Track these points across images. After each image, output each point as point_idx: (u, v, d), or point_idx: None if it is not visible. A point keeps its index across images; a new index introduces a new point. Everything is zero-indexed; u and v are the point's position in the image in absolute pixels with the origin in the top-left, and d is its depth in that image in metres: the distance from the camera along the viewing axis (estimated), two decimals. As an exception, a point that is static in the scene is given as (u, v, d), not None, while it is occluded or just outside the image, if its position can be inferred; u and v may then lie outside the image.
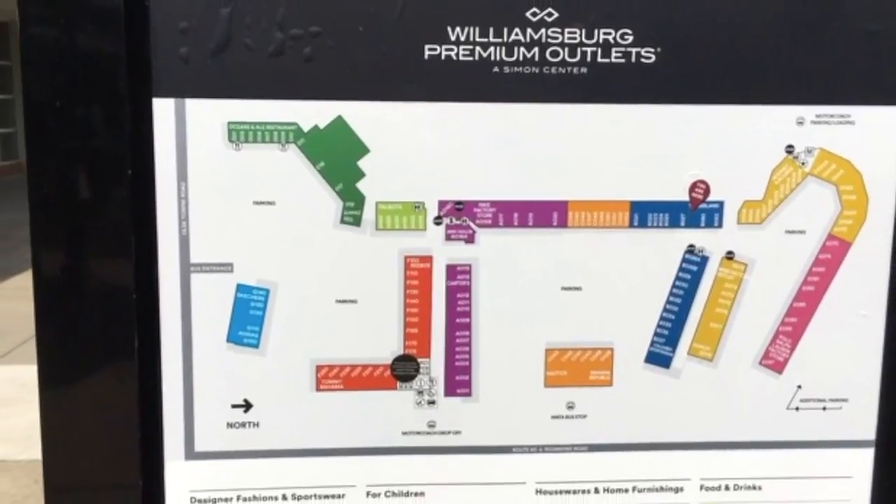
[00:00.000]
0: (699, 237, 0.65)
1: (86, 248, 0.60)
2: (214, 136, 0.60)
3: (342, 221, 0.62)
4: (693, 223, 0.64)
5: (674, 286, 0.65)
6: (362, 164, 0.62)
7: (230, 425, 0.64)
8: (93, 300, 0.61)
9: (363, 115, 0.61)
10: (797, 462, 0.68)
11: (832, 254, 0.65)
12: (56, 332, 0.61)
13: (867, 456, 0.68)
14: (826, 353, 0.67)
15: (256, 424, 0.64)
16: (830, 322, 0.66)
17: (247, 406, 0.64)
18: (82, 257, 0.61)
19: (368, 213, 0.62)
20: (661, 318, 0.66)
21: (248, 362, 0.64)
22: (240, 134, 0.60)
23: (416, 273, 0.64)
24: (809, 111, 0.63)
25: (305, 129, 0.61)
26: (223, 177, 0.61)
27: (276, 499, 0.65)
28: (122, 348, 0.61)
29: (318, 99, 0.61)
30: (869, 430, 0.68)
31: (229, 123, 0.60)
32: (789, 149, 0.64)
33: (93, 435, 0.62)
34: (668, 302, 0.66)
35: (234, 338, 0.63)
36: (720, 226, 0.65)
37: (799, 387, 0.67)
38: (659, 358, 0.66)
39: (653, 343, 0.66)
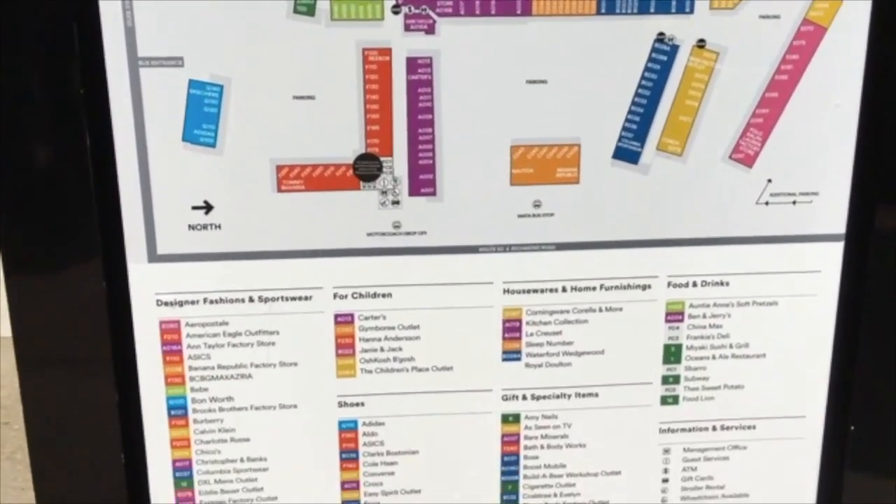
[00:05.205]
0: (669, 24, 0.62)
1: (26, 40, 0.58)
2: (153, -86, 0.57)
3: (296, 11, 0.60)
4: (663, 9, 0.62)
5: (643, 78, 0.63)
6: (313, -53, 0.59)
7: (192, 227, 0.63)
8: (37, 97, 0.59)
9: None
10: (766, 257, 0.67)
11: (807, 40, 0.63)
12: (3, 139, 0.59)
13: (837, 249, 0.68)
14: (797, 145, 0.65)
15: (218, 226, 0.64)
16: (803, 113, 0.64)
17: (207, 207, 0.63)
18: (22, 52, 0.58)
19: (323, 1, 0.60)
20: (630, 112, 0.64)
21: (205, 162, 0.62)
22: (181, -87, 0.57)
23: (375, 67, 0.61)
24: None
25: None
26: (166, -39, 0.58)
27: (243, 301, 0.65)
28: (74, 147, 0.60)
29: None
30: (839, 224, 0.67)
31: None
32: (764, -75, 0.61)
33: (53, 237, 0.62)
34: (636, 94, 0.63)
35: (189, 137, 0.61)
36: (691, 11, 0.62)
37: (769, 181, 0.66)
38: (627, 153, 0.65)
39: (621, 138, 0.64)
